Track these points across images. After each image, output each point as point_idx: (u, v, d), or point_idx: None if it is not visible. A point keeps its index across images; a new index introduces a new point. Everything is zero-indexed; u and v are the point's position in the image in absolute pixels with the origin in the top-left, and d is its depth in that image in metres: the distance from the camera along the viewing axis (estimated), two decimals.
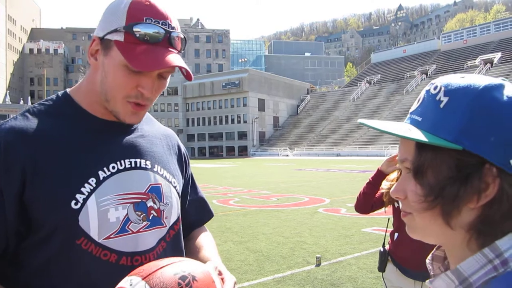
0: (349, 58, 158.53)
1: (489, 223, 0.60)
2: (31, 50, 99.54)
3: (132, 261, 1.05)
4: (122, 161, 1.09)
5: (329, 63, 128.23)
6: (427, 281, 0.66)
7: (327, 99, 78.70)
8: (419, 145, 0.63)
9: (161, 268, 0.89)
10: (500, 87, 0.61)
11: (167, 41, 1.03)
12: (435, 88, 0.64)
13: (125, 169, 1.09)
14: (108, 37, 1.02)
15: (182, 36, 1.08)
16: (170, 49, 1.04)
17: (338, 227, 8.04)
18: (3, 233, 0.97)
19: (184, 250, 1.24)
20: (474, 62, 65.34)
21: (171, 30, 1.04)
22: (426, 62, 76.87)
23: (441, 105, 0.61)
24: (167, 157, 1.23)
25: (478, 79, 0.62)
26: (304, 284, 4.80)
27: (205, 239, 1.32)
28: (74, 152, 1.03)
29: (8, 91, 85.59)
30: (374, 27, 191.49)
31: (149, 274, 0.88)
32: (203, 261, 1.10)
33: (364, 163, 34.77)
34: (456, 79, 0.63)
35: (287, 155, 59.52)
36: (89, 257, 1.00)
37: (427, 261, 0.73)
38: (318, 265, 5.49)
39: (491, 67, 62.49)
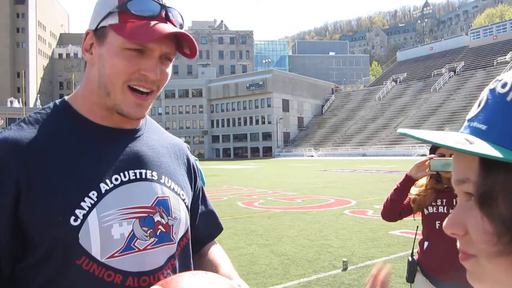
0: (374, 56, 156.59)
1: None
2: (60, 55, 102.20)
3: (139, 282, 0.95)
4: (126, 172, 1.00)
5: (354, 62, 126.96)
6: None
7: (352, 99, 77.88)
8: (486, 162, 0.47)
9: (186, 279, 0.84)
10: None
11: (164, 16, 0.96)
12: (503, 86, 0.49)
13: (129, 181, 0.99)
14: (102, 24, 0.96)
15: (180, 17, 1.01)
16: (168, 23, 0.96)
17: (365, 229, 7.87)
18: None
19: (192, 267, 1.15)
20: (505, 58, 63.47)
21: (168, 6, 0.98)
22: (454, 59, 75.13)
23: None
24: (174, 168, 1.14)
25: None
26: None
27: (220, 256, 1.22)
28: (72, 163, 0.95)
29: (38, 95, 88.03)
30: (400, 25, 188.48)
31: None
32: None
33: (390, 163, 34.20)
34: None
35: (312, 156, 59.15)
36: (91, 278, 0.91)
37: None
38: (344, 269, 5.37)
39: None
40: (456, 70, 68.53)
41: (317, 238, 7.26)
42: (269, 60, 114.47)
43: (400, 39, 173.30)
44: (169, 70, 1.02)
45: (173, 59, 1.02)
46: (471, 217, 0.49)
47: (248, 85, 72.73)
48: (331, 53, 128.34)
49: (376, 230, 7.73)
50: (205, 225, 1.27)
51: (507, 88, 0.48)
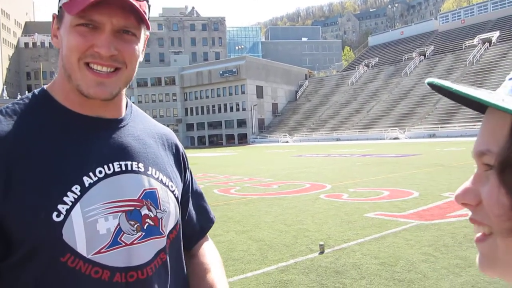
0: (346, 42, 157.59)
1: None
2: (26, 44, 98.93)
3: (127, 277, 0.92)
4: (111, 165, 0.95)
5: (326, 48, 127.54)
6: None
7: (326, 84, 78.43)
8: None
9: None
10: None
11: None
12: None
13: (114, 173, 0.95)
14: (60, 4, 0.93)
15: None
16: None
17: (341, 213, 8.00)
18: None
19: (184, 261, 1.12)
20: (473, 42, 64.91)
21: None
22: (424, 44, 76.39)
23: None
24: (162, 159, 1.09)
25: None
26: (308, 272, 4.76)
27: (211, 259, 1.18)
28: (53, 156, 0.90)
29: (5, 86, 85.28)
30: (371, 10, 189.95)
31: None
32: (211, 286, 1.07)
33: (364, 147, 34.72)
34: None
35: (287, 142, 59.48)
36: (78, 276, 0.87)
37: None
38: (321, 252, 5.45)
39: (490, 46, 62.08)
40: (426, 54, 69.74)
41: (294, 223, 7.33)
42: (242, 46, 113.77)
43: (372, 24, 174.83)
44: (136, 46, 0.95)
45: (140, 33, 0.95)
46: (487, 186, 0.45)
47: (221, 72, 72.26)
48: (304, 39, 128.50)
49: (352, 213, 7.86)
50: (196, 218, 1.22)
51: None
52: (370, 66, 77.33)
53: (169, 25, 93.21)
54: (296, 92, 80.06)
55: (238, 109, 70.97)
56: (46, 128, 0.93)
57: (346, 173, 15.23)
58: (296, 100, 78.05)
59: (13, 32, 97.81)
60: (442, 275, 4.43)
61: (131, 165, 0.98)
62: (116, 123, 1.02)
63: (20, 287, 0.87)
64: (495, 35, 63.74)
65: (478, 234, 0.47)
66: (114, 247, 0.91)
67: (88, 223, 0.88)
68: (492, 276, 0.48)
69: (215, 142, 72.54)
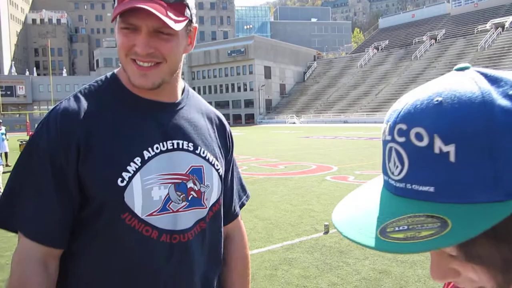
0: (356, 23, 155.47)
1: None
2: (33, 21, 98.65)
3: (171, 239, 1.09)
4: (165, 143, 1.11)
5: (336, 29, 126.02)
6: None
7: (334, 66, 77.74)
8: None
9: None
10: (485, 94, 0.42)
11: None
12: (418, 137, 0.43)
13: (167, 150, 1.11)
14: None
15: None
16: None
17: (346, 194, 8.02)
18: (71, 202, 1.05)
19: (222, 238, 1.27)
20: (485, 27, 63.78)
21: None
22: (435, 27, 75.21)
23: (451, 159, 0.41)
24: (212, 139, 1.23)
25: (455, 88, 0.43)
26: (313, 251, 4.84)
27: (244, 280, 1.35)
28: (121, 131, 1.08)
29: (13, 62, 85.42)
30: None
31: None
32: None
33: (371, 130, 34.61)
34: (425, 105, 0.44)
35: (294, 123, 59.38)
36: (132, 232, 1.05)
37: None
38: (326, 232, 5.53)
39: (502, 31, 61.04)
40: (437, 38, 68.72)
41: (300, 203, 7.41)
42: (251, 26, 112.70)
43: (383, 6, 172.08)
44: (173, 43, 1.08)
45: (178, 31, 1.07)
46: (461, 266, 0.46)
47: (229, 51, 71.79)
48: (313, 20, 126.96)
49: None
50: (232, 197, 1.35)
51: (425, 140, 0.42)
52: (379, 48, 76.41)
53: None
54: (304, 73, 79.51)
55: (245, 89, 70.70)
56: (115, 108, 1.11)
57: (353, 155, 15.24)
58: (304, 81, 77.56)
59: (21, 8, 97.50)
60: None
61: (182, 144, 1.14)
62: (172, 106, 1.17)
63: (91, 234, 1.07)
64: (508, 20, 62.56)
65: None
66: (163, 212, 1.08)
67: (145, 189, 1.05)
68: None
69: None
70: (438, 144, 0.41)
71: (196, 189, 1.13)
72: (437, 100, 0.43)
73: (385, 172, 0.47)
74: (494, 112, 0.40)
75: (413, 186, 0.43)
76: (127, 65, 1.08)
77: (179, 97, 1.21)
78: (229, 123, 3.70)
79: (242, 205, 1.40)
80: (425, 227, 0.39)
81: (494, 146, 0.39)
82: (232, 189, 1.35)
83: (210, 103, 3.88)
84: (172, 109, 1.17)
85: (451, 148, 0.40)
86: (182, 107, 1.20)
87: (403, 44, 73.74)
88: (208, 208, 1.17)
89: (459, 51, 61.06)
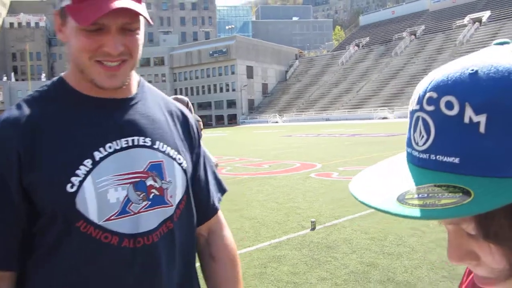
0: (337, 21, 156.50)
1: None
2: (11, 24, 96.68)
3: (135, 243, 1.01)
4: (119, 141, 1.04)
5: (317, 27, 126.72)
6: None
7: (316, 64, 78.22)
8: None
9: None
10: None
11: None
12: (448, 105, 0.41)
13: (122, 148, 1.03)
14: (61, 5, 0.98)
15: None
16: None
17: (331, 191, 8.12)
18: (18, 218, 0.98)
19: (195, 238, 1.20)
20: (463, 22, 64.91)
21: None
22: (415, 23, 76.25)
23: (481, 130, 0.39)
24: (171, 133, 1.15)
25: (494, 62, 0.41)
26: (301, 248, 4.88)
27: (233, 274, 1.27)
28: (68, 135, 1.01)
29: None
30: None
31: None
32: None
33: (353, 127, 34.93)
34: (461, 77, 0.41)
35: (277, 122, 59.56)
36: (89, 240, 0.97)
37: None
38: (313, 229, 5.57)
39: (480, 25, 62.17)
40: (417, 34, 69.66)
41: (285, 201, 7.45)
42: (232, 26, 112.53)
43: (363, 3, 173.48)
44: (138, 37, 1.02)
45: (139, 26, 1.03)
46: (480, 248, 0.44)
47: (211, 52, 71.69)
48: (295, 18, 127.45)
49: (341, 191, 7.98)
50: (206, 192, 1.26)
51: (456, 108, 0.40)
52: (360, 45, 77.14)
53: (158, 4, 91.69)
54: (286, 72, 79.78)
55: (228, 90, 70.66)
56: (61, 110, 1.03)
57: (336, 152, 15.37)
58: (286, 80, 77.84)
59: None
60: (430, 248, 4.57)
61: (138, 140, 1.06)
62: (126, 102, 1.09)
63: (46, 249, 0.99)
64: (485, 14, 63.84)
65: (481, 276, 0.46)
66: (123, 215, 1.00)
67: (99, 193, 0.98)
68: None
69: (205, 123, 72.14)
70: (469, 113, 0.39)
71: (157, 186, 1.05)
72: (472, 70, 0.41)
73: (408, 144, 0.46)
74: None
75: (438, 157, 0.42)
76: (91, 68, 1.00)
77: (134, 91, 1.13)
78: (211, 124, 3.78)
79: (219, 200, 1.32)
80: (445, 196, 0.38)
81: None
82: (207, 183, 1.27)
83: (193, 104, 3.90)
84: (126, 104, 1.09)
85: (482, 119, 0.39)
86: (137, 102, 1.12)
87: (383, 41, 74.56)
88: (174, 206, 1.09)
89: (438, 46, 62.00)
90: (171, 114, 1.20)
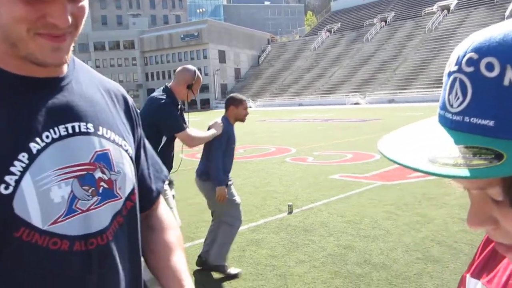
0: (309, 6, 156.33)
1: None
2: None
3: (87, 245, 0.87)
4: (56, 128, 0.86)
5: (289, 12, 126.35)
6: None
7: (288, 49, 78.18)
8: None
9: None
10: None
11: None
12: (489, 67, 0.39)
13: (61, 137, 0.86)
14: None
15: None
16: None
17: (307, 175, 8.21)
18: None
19: (139, 226, 1.05)
20: (432, 9, 65.93)
21: None
22: (385, 9, 76.94)
23: None
24: (113, 116, 0.99)
25: None
26: (278, 231, 4.93)
27: (172, 237, 1.14)
28: None
29: None
30: None
31: None
32: (175, 275, 1.04)
33: (325, 112, 35.24)
34: (502, 37, 0.40)
35: (250, 107, 59.15)
36: (35, 249, 0.81)
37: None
38: (290, 212, 5.63)
39: (448, 13, 63.33)
40: (387, 20, 70.39)
41: (262, 185, 7.49)
42: (204, 10, 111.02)
43: None
44: (83, 3, 0.84)
45: None
46: (502, 214, 0.43)
47: (182, 36, 70.66)
48: (267, 3, 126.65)
49: (317, 175, 8.09)
50: (150, 177, 1.15)
51: (496, 70, 0.39)
52: (332, 31, 77.43)
53: None
54: (259, 57, 79.47)
55: (200, 74, 69.91)
56: None
57: (310, 137, 15.50)
58: (259, 65, 77.58)
59: None
60: (404, 231, 4.70)
61: (79, 126, 0.90)
62: (58, 82, 0.90)
63: None
64: (453, 2, 64.95)
65: (499, 242, 0.46)
66: (70, 215, 0.85)
67: (41, 192, 0.81)
68: None
69: None
70: (510, 75, 0.38)
71: (106, 178, 0.91)
72: (494, 29, 0.41)
73: (442, 106, 0.45)
74: None
75: (472, 119, 0.41)
76: (30, 42, 0.79)
77: (66, 69, 0.93)
78: (184, 109, 3.67)
79: (162, 183, 1.20)
80: (477, 157, 0.37)
81: None
82: (148, 167, 1.15)
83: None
84: (59, 84, 0.90)
85: None
86: (71, 81, 0.93)
87: (354, 27, 75.04)
88: (124, 199, 0.95)
89: (408, 33, 62.90)
90: (109, 93, 1.04)
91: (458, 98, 0.42)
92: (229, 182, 3.96)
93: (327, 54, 68.70)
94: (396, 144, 0.45)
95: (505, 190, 0.41)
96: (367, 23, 72.71)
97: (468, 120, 0.41)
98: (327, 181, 7.59)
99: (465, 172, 0.36)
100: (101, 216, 0.90)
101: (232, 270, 3.83)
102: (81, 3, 0.83)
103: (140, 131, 1.13)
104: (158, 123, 3.30)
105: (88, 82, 0.99)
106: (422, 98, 42.77)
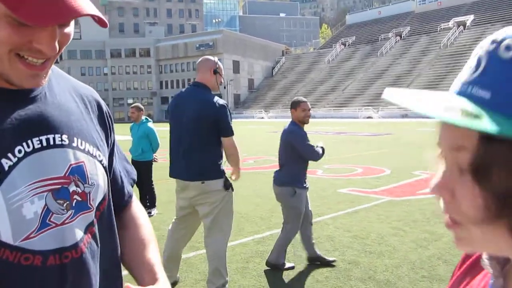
0: (324, 19, 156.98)
1: None
2: None
3: (61, 258, 0.85)
4: (30, 141, 0.84)
5: (304, 24, 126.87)
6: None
7: (302, 61, 78.35)
8: (487, 134, 0.42)
9: None
10: None
11: None
12: (508, 48, 0.44)
13: (35, 149, 0.84)
14: None
15: None
16: None
17: (315, 188, 8.16)
18: None
19: (116, 230, 1.06)
20: (448, 24, 65.70)
21: None
22: (400, 24, 76.89)
23: None
24: (87, 125, 0.97)
25: None
26: None
27: (145, 233, 1.14)
28: None
29: None
30: None
31: None
32: (148, 268, 1.03)
33: (338, 125, 35.14)
34: None
35: (262, 118, 59.59)
36: (6, 266, 0.79)
37: (485, 257, 0.55)
38: None
39: (464, 29, 63.03)
40: (402, 35, 70.29)
41: (270, 196, 7.44)
42: (219, 20, 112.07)
43: (350, 2, 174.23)
44: (70, 29, 0.82)
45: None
46: (462, 184, 0.47)
47: (197, 45, 71.24)
48: (282, 15, 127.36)
49: (326, 189, 8.05)
50: (122, 181, 1.16)
51: (510, 52, 0.44)
52: (347, 44, 77.51)
53: None
54: (273, 68, 79.76)
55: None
56: None
57: None
58: (273, 76, 77.83)
59: None
60: (411, 248, 4.65)
61: (54, 138, 0.88)
62: (30, 92, 0.87)
63: None
64: (469, 18, 64.70)
65: (447, 218, 0.50)
66: (43, 230, 0.83)
67: (13, 210, 0.79)
68: (468, 251, 0.54)
69: None
70: None
71: (80, 191, 0.90)
72: None
73: (459, 76, 0.49)
74: None
75: (474, 89, 0.45)
76: (7, 62, 0.77)
77: None
78: None
79: (133, 183, 1.21)
80: (465, 114, 0.42)
81: None
82: (120, 170, 1.15)
83: None
84: (30, 94, 0.87)
85: None
86: (44, 90, 0.90)
87: (369, 41, 75.05)
88: (94, 209, 0.94)
89: (423, 48, 62.68)
90: (82, 100, 1.01)
91: (471, 69, 0.47)
92: (305, 185, 4.19)
93: (341, 67, 68.70)
94: (401, 94, 0.50)
95: (472, 158, 0.44)
96: (382, 37, 72.68)
97: (470, 90, 0.45)
98: (335, 194, 7.55)
99: (453, 118, 0.41)
100: (75, 229, 0.88)
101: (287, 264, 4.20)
102: (67, 30, 0.81)
103: (113, 136, 1.11)
104: (217, 123, 3.39)
105: (61, 89, 0.96)
106: None
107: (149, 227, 1.17)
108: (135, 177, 1.24)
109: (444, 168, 0.49)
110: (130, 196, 1.19)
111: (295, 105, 4.13)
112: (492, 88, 0.44)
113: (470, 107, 0.43)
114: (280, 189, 4.19)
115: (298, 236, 4.33)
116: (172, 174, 3.61)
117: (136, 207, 1.21)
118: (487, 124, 0.40)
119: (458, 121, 0.41)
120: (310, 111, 4.19)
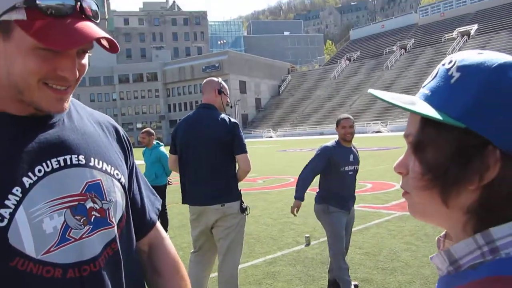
0: (328, 35, 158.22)
1: (487, 207, 0.57)
2: None
3: (81, 271, 0.92)
4: (49, 162, 0.92)
5: (308, 42, 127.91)
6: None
7: (308, 78, 78.73)
8: (424, 120, 0.60)
9: None
10: None
11: (79, 11, 0.86)
12: (449, 63, 0.61)
13: (53, 170, 0.92)
14: (4, 17, 0.82)
15: (95, 5, 0.90)
16: (84, 21, 0.86)
17: None
18: None
19: (136, 252, 1.13)
20: (452, 35, 65.85)
21: None
22: (404, 37, 77.18)
23: (452, 81, 0.59)
24: (105, 146, 1.06)
25: (494, 56, 0.58)
26: (295, 263, 4.91)
27: (179, 282, 1.20)
28: None
29: None
30: (352, 3, 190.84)
31: None
32: None
33: None
34: (472, 55, 0.60)
35: (271, 137, 59.69)
36: (30, 278, 0.86)
37: (439, 238, 0.69)
38: (307, 244, 5.61)
39: (468, 39, 63.10)
40: (407, 48, 70.48)
41: (280, 216, 7.48)
42: (224, 41, 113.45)
43: (353, 18, 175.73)
44: (86, 60, 0.93)
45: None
46: (411, 161, 0.63)
47: (204, 67, 71.99)
48: (286, 33, 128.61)
49: None
50: (142, 205, 1.21)
51: (451, 65, 0.61)
52: (352, 59, 77.88)
53: (150, 19, 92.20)
54: (279, 86, 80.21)
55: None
56: None
57: None
58: (279, 95, 78.21)
59: None
60: (424, 263, 4.62)
61: (71, 159, 0.96)
62: (50, 119, 0.97)
63: None
64: (473, 28, 64.82)
65: (403, 191, 0.66)
66: (63, 244, 0.90)
67: (34, 224, 0.87)
68: (418, 218, 0.66)
69: None
70: (453, 70, 0.60)
71: (98, 207, 0.97)
72: (480, 52, 0.61)
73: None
74: (501, 79, 0.56)
75: (424, 89, 0.63)
76: (37, 91, 0.87)
77: None
78: None
79: (157, 211, 1.27)
80: (409, 102, 0.61)
81: (484, 98, 0.56)
82: (141, 195, 1.21)
83: None
84: (51, 121, 0.97)
85: (457, 75, 0.59)
86: (63, 117, 1.00)
87: (374, 55, 75.33)
88: (116, 226, 1.01)
89: (428, 59, 62.72)
90: (100, 125, 1.11)
91: (431, 78, 0.64)
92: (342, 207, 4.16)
93: (347, 83, 68.88)
94: (382, 93, 0.64)
95: (414, 139, 0.62)
96: (387, 50, 72.94)
97: (423, 90, 0.63)
98: None
99: (399, 104, 0.59)
100: (93, 244, 0.95)
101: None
102: (84, 60, 0.91)
103: (132, 159, 1.18)
104: (232, 141, 3.43)
105: (79, 116, 1.06)
106: None
107: (184, 277, 1.21)
108: (159, 207, 1.28)
109: (407, 150, 0.65)
110: (154, 222, 1.23)
111: (337, 123, 4.15)
112: (432, 89, 0.61)
113: (415, 99, 0.62)
114: (315, 206, 4.34)
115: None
116: (187, 201, 3.49)
117: (168, 245, 1.24)
118: (417, 107, 0.59)
119: (401, 106, 0.59)
120: (352, 127, 4.09)
